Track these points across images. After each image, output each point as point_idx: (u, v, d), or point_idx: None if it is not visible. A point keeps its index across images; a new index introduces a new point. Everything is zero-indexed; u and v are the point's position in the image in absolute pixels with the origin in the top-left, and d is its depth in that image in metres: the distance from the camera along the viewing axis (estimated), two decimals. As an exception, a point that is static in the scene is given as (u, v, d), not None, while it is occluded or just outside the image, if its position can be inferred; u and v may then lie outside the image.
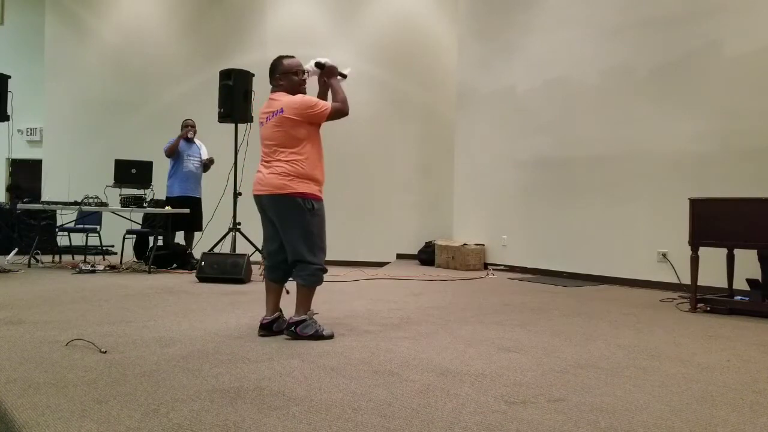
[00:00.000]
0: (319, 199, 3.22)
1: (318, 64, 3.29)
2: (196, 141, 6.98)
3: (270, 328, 3.19)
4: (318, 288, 3.22)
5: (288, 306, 3.27)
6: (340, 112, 3.19)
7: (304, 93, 3.24)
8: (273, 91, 3.24)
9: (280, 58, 3.29)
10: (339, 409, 1.99)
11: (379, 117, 9.15)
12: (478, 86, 8.06)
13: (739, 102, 5.11)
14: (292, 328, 3.07)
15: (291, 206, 3.09)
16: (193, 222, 6.81)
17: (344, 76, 3.33)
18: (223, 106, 6.13)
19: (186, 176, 6.78)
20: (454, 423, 1.87)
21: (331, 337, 3.12)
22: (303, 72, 3.27)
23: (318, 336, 3.07)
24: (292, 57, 3.31)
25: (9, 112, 6.28)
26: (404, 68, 9.15)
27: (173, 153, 6.76)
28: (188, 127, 6.85)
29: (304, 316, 3.09)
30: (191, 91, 9.30)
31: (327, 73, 3.30)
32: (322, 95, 3.38)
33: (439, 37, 9.17)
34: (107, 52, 9.72)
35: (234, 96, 6.07)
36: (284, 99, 3.13)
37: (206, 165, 6.96)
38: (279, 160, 3.12)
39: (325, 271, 3.19)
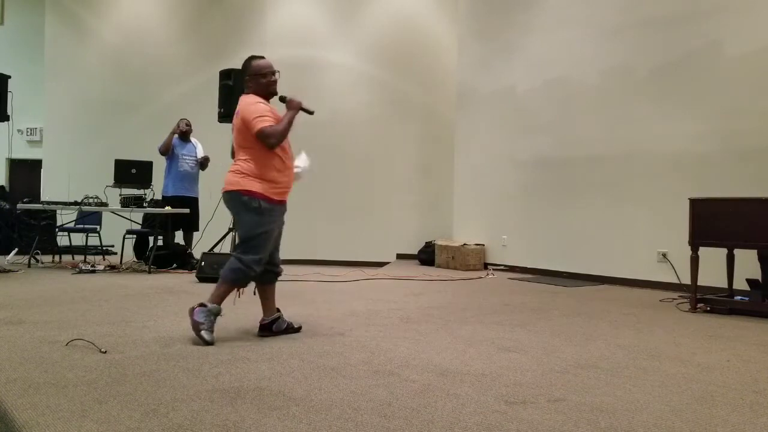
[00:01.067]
0: (270, 201, 3.10)
1: (281, 99, 3.26)
2: (192, 140, 6.97)
3: (270, 328, 3.18)
4: (318, 288, 3.21)
5: (288, 306, 3.27)
6: (267, 138, 3.04)
7: (275, 94, 3.23)
8: (244, 92, 3.23)
9: (250, 59, 3.25)
10: (339, 409, 1.99)
11: (379, 117, 9.15)
12: (478, 86, 8.06)
13: (739, 102, 5.11)
14: (271, 328, 3.16)
15: (237, 202, 3.08)
16: (189, 222, 6.82)
17: (310, 113, 3.30)
18: (223, 106, 6.13)
19: (181, 176, 6.78)
20: (454, 423, 1.87)
21: (208, 343, 2.88)
22: (273, 73, 3.22)
23: (194, 327, 2.92)
24: (263, 58, 3.25)
25: (9, 112, 6.28)
26: (404, 68, 9.15)
27: (167, 150, 6.75)
28: (187, 126, 6.85)
29: (209, 306, 2.97)
30: (191, 91, 9.30)
31: (288, 106, 3.23)
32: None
33: (439, 37, 9.17)
34: (107, 52, 9.72)
35: (234, 96, 6.05)
36: (242, 102, 3.13)
37: (202, 164, 6.95)
38: (238, 159, 3.14)
39: (252, 272, 3.03)
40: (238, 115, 3.09)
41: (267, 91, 3.20)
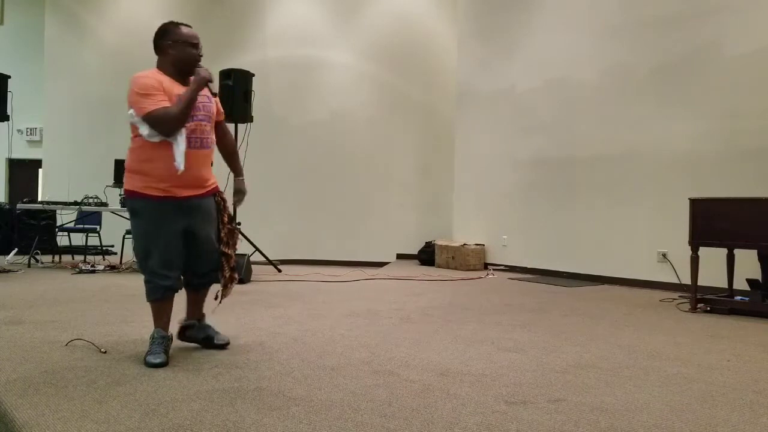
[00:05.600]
0: (143, 197, 2.57)
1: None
2: None
3: (182, 334, 2.86)
4: (318, 287, 3.17)
5: (288, 306, 3.24)
6: (156, 124, 2.51)
7: (196, 74, 2.66)
8: (157, 63, 2.70)
9: (171, 23, 2.73)
10: (339, 409, 1.99)
11: (379, 117, 9.15)
12: (478, 86, 8.06)
13: (739, 102, 5.11)
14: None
15: (126, 207, 2.71)
16: None
17: (214, 94, 2.82)
18: (223, 106, 6.11)
19: None
20: (454, 423, 1.87)
21: (155, 365, 2.48)
22: (199, 46, 2.72)
23: (145, 358, 2.54)
24: (189, 26, 2.76)
25: (9, 112, 6.28)
26: (404, 68, 9.15)
27: None
28: None
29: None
30: (191, 91, 9.30)
31: (194, 79, 2.64)
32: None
33: (439, 37, 9.17)
34: (107, 52, 9.72)
35: (234, 96, 6.07)
36: (138, 75, 2.58)
37: None
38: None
39: (151, 284, 2.61)
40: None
41: (193, 67, 2.68)
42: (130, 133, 2.65)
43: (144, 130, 2.55)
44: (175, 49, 2.66)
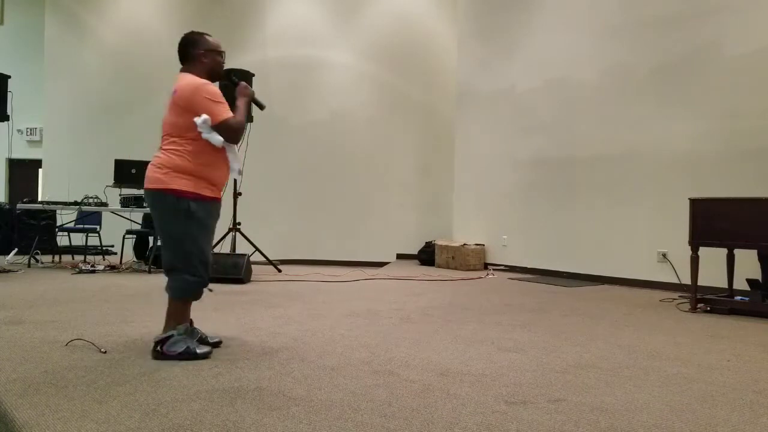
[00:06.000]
0: (203, 199, 2.69)
1: (231, 79, 2.96)
2: None
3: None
4: (318, 287, 3.18)
5: (288, 306, 3.25)
6: (231, 132, 2.67)
7: (222, 78, 2.92)
8: (183, 70, 2.81)
9: (199, 33, 2.84)
10: (339, 409, 1.99)
11: (379, 117, 9.15)
12: (478, 86, 8.06)
13: (739, 102, 5.11)
14: (157, 348, 2.62)
15: (163, 205, 2.66)
16: None
17: (261, 107, 2.99)
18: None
19: None
20: (454, 423, 1.87)
21: (205, 356, 2.63)
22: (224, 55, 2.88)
23: (189, 354, 2.60)
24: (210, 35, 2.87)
25: (9, 112, 6.28)
26: (404, 68, 9.16)
27: None
28: None
29: (171, 332, 2.64)
30: (191, 91, 9.30)
31: (239, 92, 2.86)
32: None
33: (439, 37, 9.18)
34: (107, 52, 9.72)
35: (234, 96, 6.06)
36: (181, 79, 2.70)
37: None
38: (161, 149, 2.70)
39: (203, 284, 2.73)
40: (176, 93, 2.65)
41: (219, 74, 2.88)
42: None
43: (212, 135, 2.65)
44: (207, 57, 2.80)
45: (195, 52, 2.79)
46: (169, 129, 2.69)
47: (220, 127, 2.64)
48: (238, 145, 2.81)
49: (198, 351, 2.65)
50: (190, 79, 2.69)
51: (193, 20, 9.54)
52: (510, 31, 7.52)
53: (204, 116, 2.62)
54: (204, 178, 2.69)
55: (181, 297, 2.71)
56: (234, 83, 2.93)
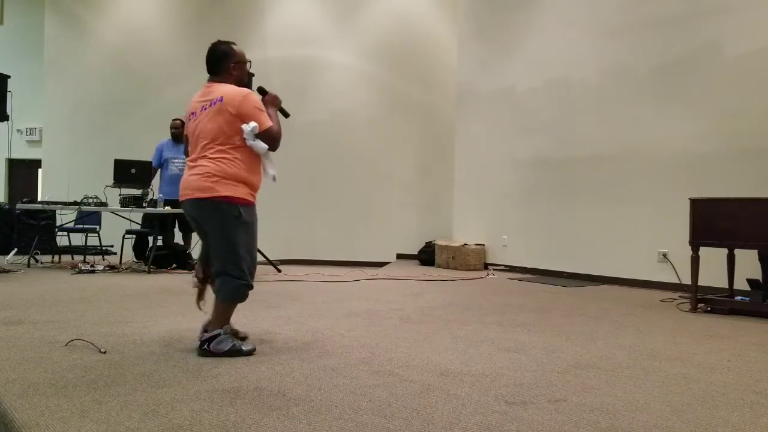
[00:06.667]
0: (250, 204, 2.81)
1: (260, 90, 3.00)
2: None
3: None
4: (318, 287, 3.18)
5: (288, 307, 3.25)
6: (274, 139, 2.79)
7: (272, 98, 3.00)
8: (213, 80, 2.87)
9: (228, 44, 2.91)
10: (339, 409, 1.99)
11: (379, 117, 9.15)
12: (478, 86, 8.06)
13: (739, 102, 5.11)
14: (205, 346, 2.71)
15: (215, 213, 2.72)
16: (184, 222, 6.84)
17: (286, 114, 3.07)
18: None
19: (171, 180, 6.81)
20: (454, 423, 1.87)
21: (250, 353, 2.75)
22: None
23: (235, 351, 2.71)
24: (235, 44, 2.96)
25: (8, 111, 6.27)
26: (404, 68, 9.15)
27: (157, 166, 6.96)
28: (173, 128, 6.89)
29: (218, 330, 2.73)
30: (191, 91, 9.16)
31: (268, 102, 2.94)
32: None
33: (439, 37, 9.17)
34: (107, 52, 9.72)
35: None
36: (225, 88, 2.79)
37: None
38: (205, 157, 2.73)
39: (250, 287, 2.83)
40: (223, 101, 2.72)
41: (244, 83, 2.98)
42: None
43: (256, 142, 2.74)
44: (237, 69, 2.91)
45: (227, 64, 2.88)
46: (214, 136, 2.74)
47: (264, 134, 2.74)
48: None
49: (243, 348, 2.76)
50: (234, 88, 2.79)
51: (192, 20, 9.55)
52: (510, 31, 7.51)
53: (253, 124, 2.72)
54: (248, 184, 2.79)
55: (232, 300, 2.81)
56: (263, 93, 2.98)
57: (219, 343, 2.71)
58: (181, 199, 2.83)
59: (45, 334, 3.09)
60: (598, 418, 1.95)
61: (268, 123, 2.76)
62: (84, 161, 9.41)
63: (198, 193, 2.72)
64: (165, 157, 6.86)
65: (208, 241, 2.85)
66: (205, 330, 2.80)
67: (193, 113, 2.85)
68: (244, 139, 2.73)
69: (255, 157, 2.80)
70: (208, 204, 2.71)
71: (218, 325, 2.76)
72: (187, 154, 2.95)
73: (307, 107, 9.12)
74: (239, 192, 2.73)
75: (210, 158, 2.72)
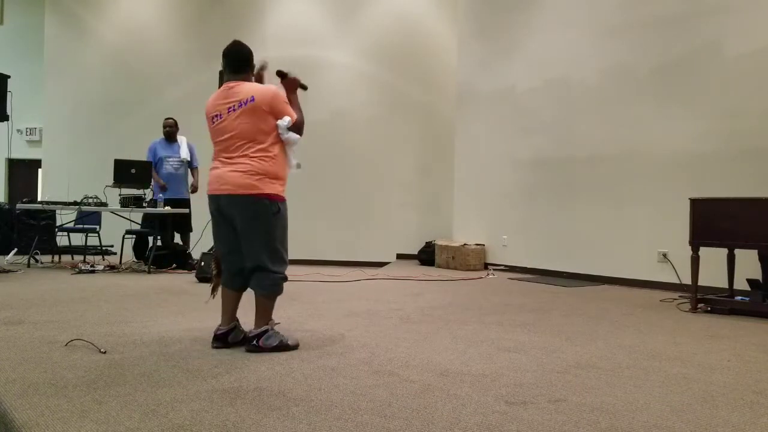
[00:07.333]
0: (284, 200, 2.93)
1: (280, 73, 3.01)
2: (180, 138, 7.01)
3: (225, 339, 2.92)
4: (318, 287, 3.19)
5: (288, 307, 3.26)
6: (300, 128, 2.90)
7: (292, 79, 3.07)
8: (235, 79, 2.88)
9: (244, 44, 2.96)
10: (339, 409, 1.99)
11: (379, 117, 9.15)
12: (478, 86, 8.06)
13: (739, 102, 5.11)
14: (254, 342, 2.80)
15: (257, 209, 2.79)
16: (181, 224, 6.84)
17: (305, 88, 3.13)
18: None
19: (165, 179, 6.82)
20: (454, 423, 1.87)
21: (296, 347, 2.87)
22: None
23: (283, 346, 2.82)
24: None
25: (8, 111, 6.27)
26: (404, 68, 9.15)
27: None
28: (166, 127, 6.90)
29: (265, 327, 2.84)
30: (191, 91, 9.28)
31: (288, 85, 2.99)
32: None
33: (439, 37, 9.17)
34: (107, 52, 9.72)
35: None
36: (253, 87, 2.83)
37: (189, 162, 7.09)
38: (246, 156, 2.79)
39: (286, 279, 2.95)
40: (255, 101, 2.76)
41: (262, 80, 3.09)
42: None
43: (290, 135, 2.85)
44: (252, 68, 3.00)
45: (253, 64, 2.97)
46: (252, 135, 2.80)
47: (293, 126, 2.85)
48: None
49: (290, 343, 2.87)
50: (261, 87, 2.87)
51: (192, 20, 9.55)
52: (510, 31, 7.51)
53: (287, 118, 2.83)
54: (283, 179, 2.91)
55: (274, 293, 2.91)
56: (283, 76, 3.02)
57: (268, 338, 2.81)
58: (215, 193, 2.86)
59: (45, 334, 3.09)
60: (598, 418, 1.95)
61: (294, 114, 2.87)
62: (84, 161, 9.42)
63: (240, 189, 2.78)
64: (159, 156, 6.86)
65: (240, 236, 2.86)
66: (224, 331, 2.90)
67: (217, 115, 2.86)
68: (279, 134, 2.83)
69: (285, 151, 2.91)
70: (250, 200, 2.78)
71: (264, 321, 2.87)
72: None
73: (307, 107, 9.02)
74: (277, 189, 2.85)
75: (252, 157, 2.80)
